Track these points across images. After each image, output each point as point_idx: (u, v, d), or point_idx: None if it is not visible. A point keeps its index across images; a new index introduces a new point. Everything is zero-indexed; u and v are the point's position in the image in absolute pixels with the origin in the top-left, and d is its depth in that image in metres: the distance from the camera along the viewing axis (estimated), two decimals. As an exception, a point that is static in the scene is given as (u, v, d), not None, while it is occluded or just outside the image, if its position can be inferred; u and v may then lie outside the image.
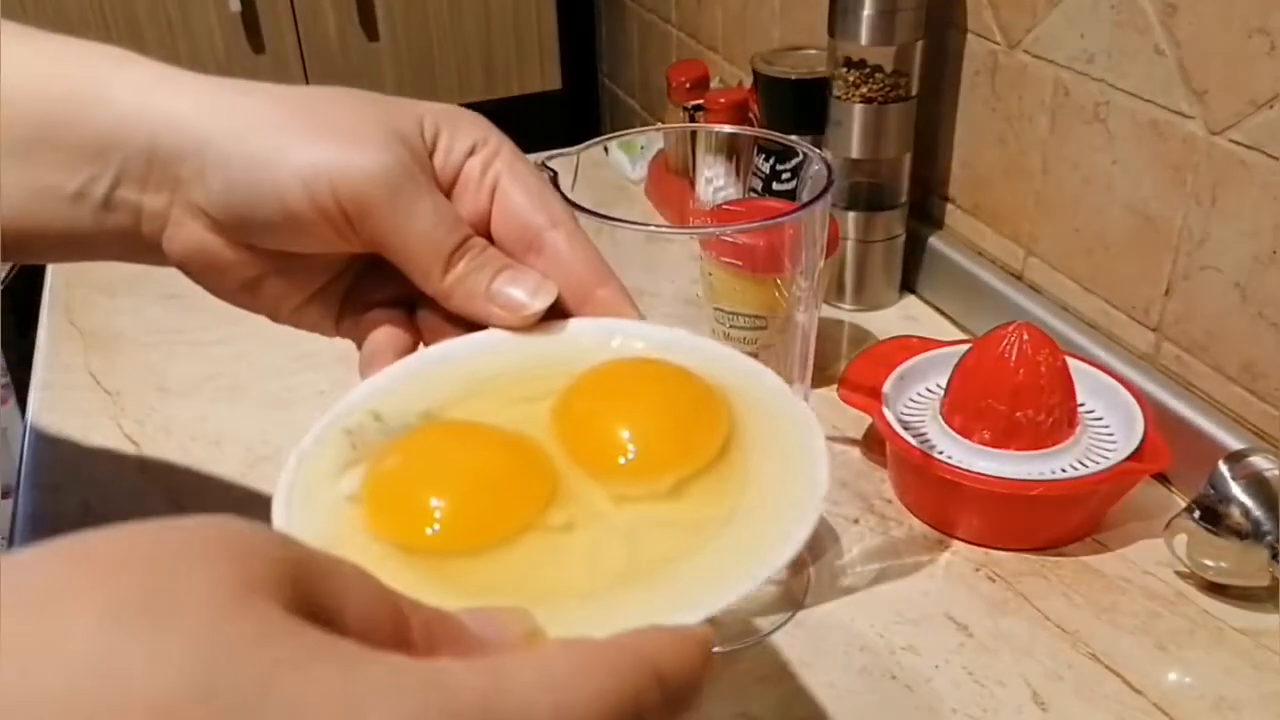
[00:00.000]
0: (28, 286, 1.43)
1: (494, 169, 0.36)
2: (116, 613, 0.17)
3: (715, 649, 0.49)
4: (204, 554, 0.18)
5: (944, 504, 0.56)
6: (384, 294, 0.38)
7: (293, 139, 0.34)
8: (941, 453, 0.56)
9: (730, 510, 0.29)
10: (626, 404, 0.32)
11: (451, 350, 0.36)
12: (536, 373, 0.34)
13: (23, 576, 0.17)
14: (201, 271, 0.37)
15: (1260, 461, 0.50)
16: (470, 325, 0.36)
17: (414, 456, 0.31)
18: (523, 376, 0.34)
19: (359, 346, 0.38)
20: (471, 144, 0.37)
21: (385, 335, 0.38)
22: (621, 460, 0.30)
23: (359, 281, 0.39)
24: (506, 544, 0.28)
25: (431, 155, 0.36)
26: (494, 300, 0.35)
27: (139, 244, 0.37)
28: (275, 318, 0.39)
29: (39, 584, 0.17)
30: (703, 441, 0.30)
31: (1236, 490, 0.49)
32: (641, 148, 0.93)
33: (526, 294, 0.35)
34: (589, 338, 0.35)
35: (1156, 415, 0.56)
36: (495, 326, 0.36)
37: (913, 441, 0.55)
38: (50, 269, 0.87)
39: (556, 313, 0.36)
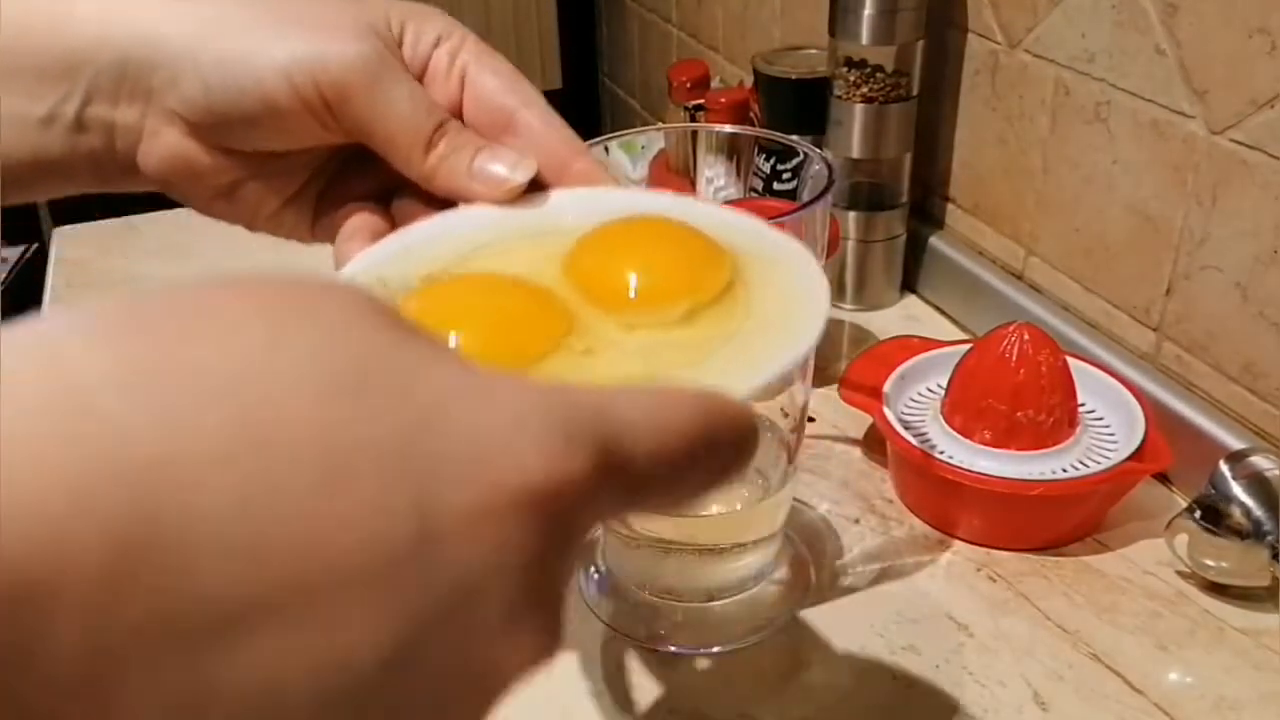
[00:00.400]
0: (28, 286, 1.43)
1: (461, 58, 0.38)
2: (272, 313, 0.17)
3: (715, 650, 0.49)
4: (321, 286, 0.19)
5: (945, 504, 0.56)
6: (359, 191, 0.39)
7: (268, 35, 0.35)
8: (942, 452, 0.56)
9: (738, 329, 0.31)
10: (635, 247, 0.34)
11: (437, 225, 0.36)
12: (529, 239, 0.35)
13: (162, 296, 0.17)
14: (178, 182, 0.38)
15: (1261, 461, 0.50)
16: (448, 209, 0.37)
17: (430, 302, 0.32)
18: (516, 245, 0.35)
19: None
20: (437, 35, 0.38)
21: (361, 219, 0.38)
22: (632, 293, 0.32)
23: (333, 182, 0.40)
24: (532, 367, 0.29)
25: (400, 47, 0.37)
26: (476, 178, 0.36)
27: (113, 164, 0.37)
28: (252, 226, 0.40)
29: (185, 298, 0.17)
30: (708, 276, 0.32)
31: (1237, 490, 0.49)
32: (642, 147, 0.93)
33: (507, 168, 0.36)
34: (573, 206, 0.36)
35: (1157, 415, 0.56)
36: (479, 202, 0.36)
37: (913, 441, 0.55)
38: (51, 267, 0.87)
39: (536, 187, 0.37)
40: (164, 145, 0.37)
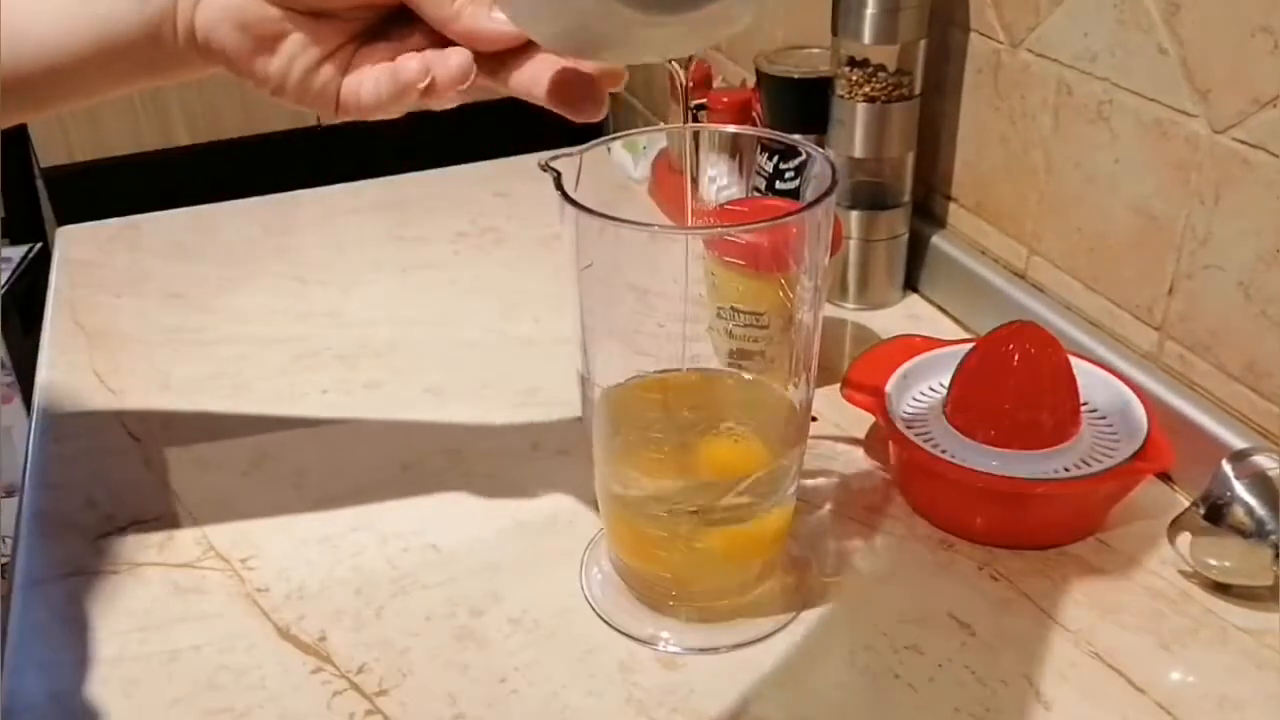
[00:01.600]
0: (32, 286, 1.43)
1: None
2: None
3: (718, 650, 0.49)
4: None
5: (947, 503, 0.56)
6: (379, 61, 0.44)
7: None
8: (945, 452, 0.56)
9: None
10: None
11: None
12: None
13: None
14: (228, 33, 0.42)
15: (1264, 460, 0.50)
16: None
17: None
18: None
19: (357, 109, 0.44)
20: None
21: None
22: None
23: (359, 55, 0.44)
24: None
25: None
26: (496, 22, 0.41)
27: (171, 31, 0.42)
28: (282, 88, 0.43)
29: None
30: None
31: (1240, 489, 0.49)
32: (644, 147, 0.93)
33: None
34: None
35: (1160, 414, 0.56)
36: (498, 46, 0.42)
37: (916, 441, 0.55)
38: (54, 268, 0.87)
39: None
40: None
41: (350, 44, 0.44)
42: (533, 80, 0.43)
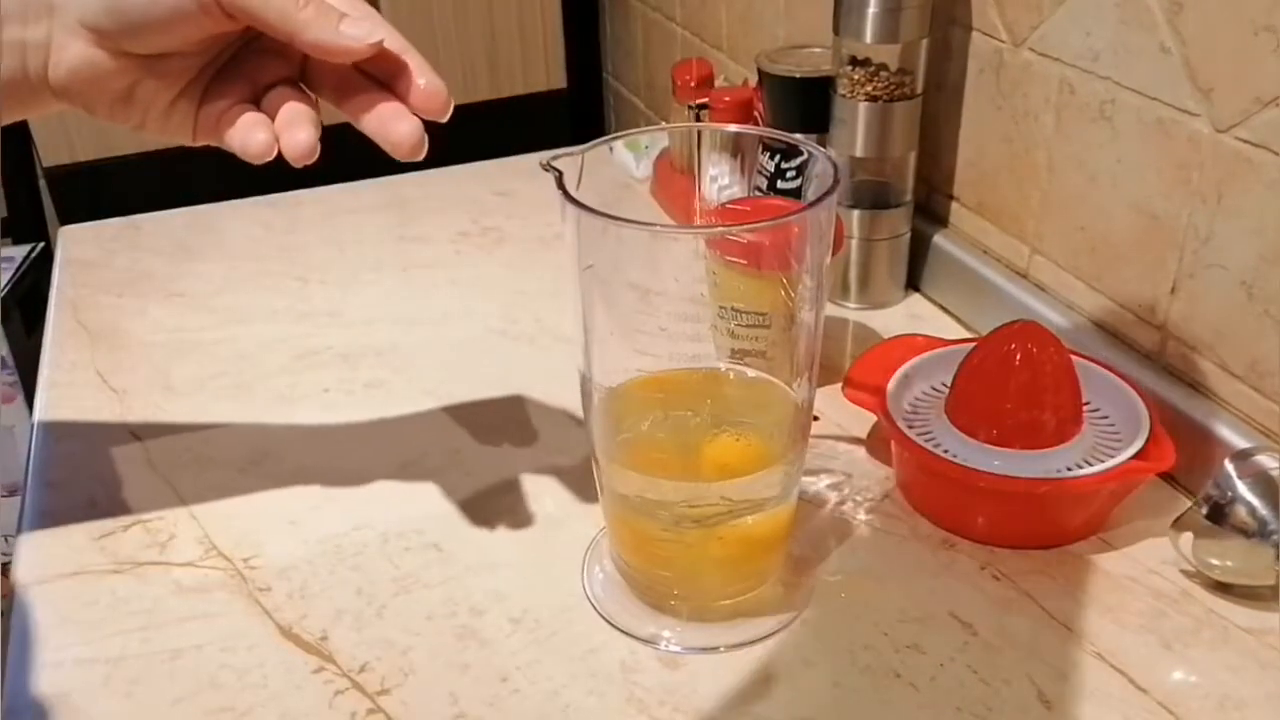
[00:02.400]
0: (34, 286, 1.43)
1: None
2: None
3: (719, 649, 0.49)
4: None
5: (949, 502, 0.56)
6: (233, 97, 0.45)
7: None
8: (946, 451, 0.56)
9: None
10: None
11: None
12: None
13: None
14: (84, 88, 0.44)
15: (1266, 460, 0.50)
16: (309, 100, 0.45)
17: None
18: None
19: (220, 142, 0.45)
20: None
21: (254, 116, 0.44)
22: None
23: (211, 88, 0.46)
24: None
25: None
26: (342, 35, 0.42)
27: (26, 84, 0.43)
28: (144, 126, 0.46)
29: None
30: None
31: (1242, 489, 0.49)
32: (646, 146, 0.93)
33: (367, 31, 0.43)
34: None
35: (1162, 414, 0.56)
36: (347, 58, 0.43)
37: (917, 440, 0.55)
38: (56, 268, 0.87)
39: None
40: (71, 55, 0.43)
41: (196, 82, 0.45)
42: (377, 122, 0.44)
